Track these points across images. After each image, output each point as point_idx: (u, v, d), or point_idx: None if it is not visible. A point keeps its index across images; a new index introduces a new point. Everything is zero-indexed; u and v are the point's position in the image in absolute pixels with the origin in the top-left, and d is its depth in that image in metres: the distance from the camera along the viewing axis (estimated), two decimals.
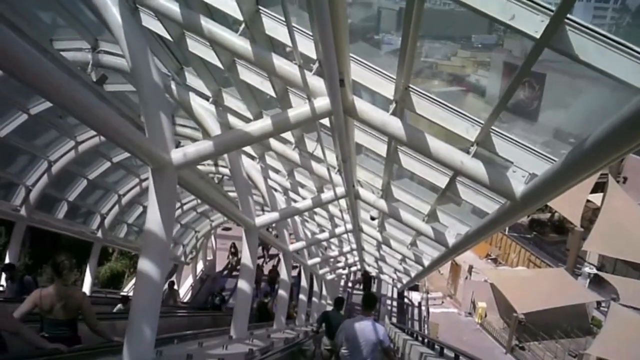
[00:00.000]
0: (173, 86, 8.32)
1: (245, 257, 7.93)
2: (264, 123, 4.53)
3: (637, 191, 38.94)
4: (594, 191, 37.71)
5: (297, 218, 16.94)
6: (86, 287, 15.60)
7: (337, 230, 12.13)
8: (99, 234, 15.58)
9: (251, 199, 8.04)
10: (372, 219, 8.38)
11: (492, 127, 4.43)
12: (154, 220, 4.50)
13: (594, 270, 37.08)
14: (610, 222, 34.37)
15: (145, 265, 4.47)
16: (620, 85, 3.01)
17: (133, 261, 26.40)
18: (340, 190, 7.96)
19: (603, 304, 34.62)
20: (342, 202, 10.93)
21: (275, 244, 11.08)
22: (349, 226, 11.52)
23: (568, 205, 35.68)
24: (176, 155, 4.55)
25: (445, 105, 4.50)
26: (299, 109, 4.56)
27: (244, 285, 7.84)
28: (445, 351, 8.67)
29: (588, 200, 37.98)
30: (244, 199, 7.94)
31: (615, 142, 2.66)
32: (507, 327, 33.09)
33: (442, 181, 6.22)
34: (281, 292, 11.79)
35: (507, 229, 41.79)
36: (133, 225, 18.08)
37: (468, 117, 4.47)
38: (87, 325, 5.46)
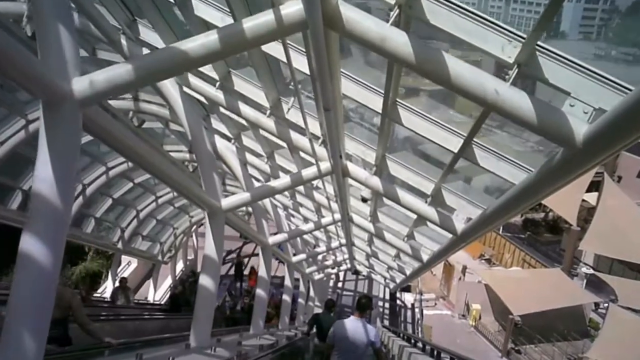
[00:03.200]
0: (123, 41, 6.87)
1: (209, 248, 6.47)
2: (208, 38, 3.10)
3: (632, 190, 38.16)
4: (588, 190, 36.93)
5: (281, 212, 15.56)
6: None
7: (324, 221, 10.68)
8: None
9: (216, 176, 6.59)
10: (364, 200, 6.96)
11: (539, 44, 3.04)
12: (44, 179, 3.06)
13: (591, 271, 36.09)
14: (607, 222, 33.57)
15: (29, 244, 3.01)
16: None
17: (110, 261, 24.74)
18: (325, 166, 6.52)
19: (601, 306, 33.69)
20: (330, 188, 9.53)
21: (252, 237, 9.63)
22: (337, 216, 10.10)
23: (563, 204, 34.83)
24: (80, 84, 3.12)
25: (471, 14, 3.09)
26: (259, 17, 3.12)
27: (206, 281, 6.37)
28: None
29: (583, 200, 37.08)
30: (207, 175, 6.50)
31: None
32: (502, 329, 32.15)
33: (454, 144, 4.82)
34: (259, 291, 10.32)
35: (500, 228, 40.93)
36: (102, 219, 16.49)
37: (504, 29, 3.07)
38: (78, 324, 5.34)
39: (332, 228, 14.06)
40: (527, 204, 4.44)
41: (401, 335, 14.05)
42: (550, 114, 2.97)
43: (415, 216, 8.36)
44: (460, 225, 6.27)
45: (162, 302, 21.11)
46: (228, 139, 10.24)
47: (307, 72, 4.70)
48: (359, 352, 6.73)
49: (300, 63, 4.91)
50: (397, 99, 4.82)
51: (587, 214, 39.36)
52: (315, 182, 9.64)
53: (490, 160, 4.75)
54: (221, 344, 6.56)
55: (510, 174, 4.70)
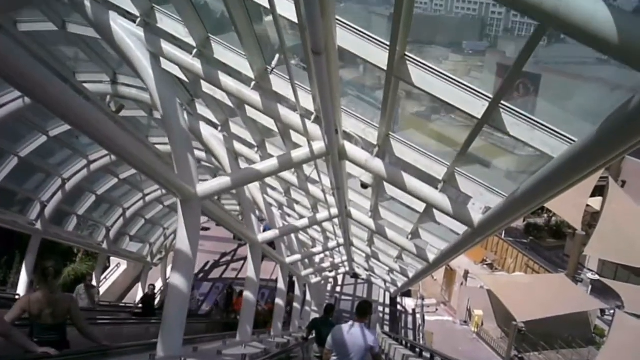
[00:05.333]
0: (87, 2, 5.93)
1: (182, 241, 5.51)
2: None
3: (636, 195, 37.44)
4: (592, 195, 36.28)
5: (275, 211, 14.60)
6: (21, 290, 13.03)
7: (319, 217, 9.72)
8: (39, 225, 13.03)
9: (192, 158, 5.64)
10: (364, 186, 5.98)
11: None
12: None
13: (596, 277, 35.22)
14: (612, 226, 32.97)
15: None
16: None
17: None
18: (319, 146, 5.57)
19: (607, 312, 32.83)
20: (326, 180, 8.59)
21: (239, 232, 8.65)
22: (334, 211, 9.15)
23: (567, 209, 34.10)
24: None
25: None
26: None
27: (178, 280, 5.40)
28: None
29: (587, 205, 36.37)
30: (181, 156, 5.55)
31: None
32: (506, 336, 31.31)
33: (477, 109, 3.88)
34: (247, 293, 9.33)
35: (502, 232, 40.06)
36: (85, 217, 15.51)
37: None
38: (76, 329, 5.49)
39: (329, 227, 13.13)
40: (572, 179, 3.48)
41: (404, 342, 13.03)
42: (636, 29, 2.03)
43: (421, 211, 7.43)
44: (477, 216, 5.31)
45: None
46: (215, 126, 9.36)
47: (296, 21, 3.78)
48: (357, 357, 6.67)
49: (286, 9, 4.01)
50: (407, 52, 3.88)
51: (590, 218, 38.89)
52: (309, 173, 8.73)
53: (522, 129, 3.81)
54: (195, 354, 5.61)
55: (547, 146, 3.76)
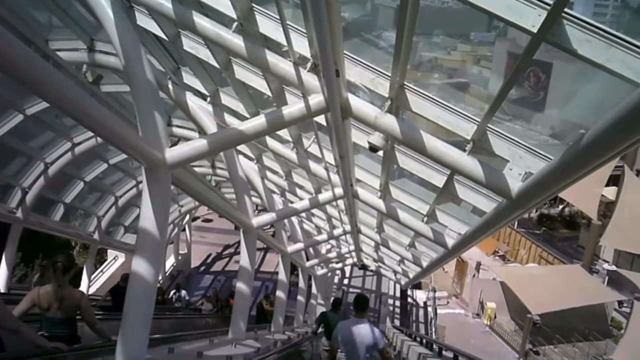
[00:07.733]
0: None
1: (147, 218, 4.46)
2: None
3: None
4: (606, 185, 35.25)
5: (277, 198, 13.56)
6: (0, 284, 12.04)
7: (322, 197, 8.64)
8: (19, 213, 12.02)
9: (160, 117, 4.57)
10: (373, 150, 4.87)
11: None
12: None
13: (613, 267, 34.13)
14: (628, 216, 32.15)
15: None
16: None
17: (99, 256, 22.73)
18: (317, 100, 4.46)
19: (624, 304, 31.79)
20: (329, 157, 7.51)
21: (228, 215, 7.57)
22: (339, 191, 8.07)
23: (582, 199, 33.14)
24: None
25: None
26: None
27: (142, 267, 4.34)
28: None
29: (601, 194, 35.35)
30: (146, 115, 4.48)
31: None
32: (519, 329, 30.36)
33: (530, 21, 2.79)
34: (240, 285, 8.26)
35: (515, 223, 38.98)
36: (73, 206, 14.47)
37: None
38: (86, 324, 5.52)
39: (334, 213, 12.07)
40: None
41: (418, 339, 11.93)
42: None
43: (440, 186, 6.32)
44: (515, 184, 4.20)
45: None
46: (203, 97, 8.34)
47: None
48: (364, 353, 6.70)
49: None
50: None
51: (605, 208, 37.99)
52: (307, 145, 7.66)
53: (595, 46, 2.71)
54: (168, 357, 4.56)
55: (630, 69, 2.66)
